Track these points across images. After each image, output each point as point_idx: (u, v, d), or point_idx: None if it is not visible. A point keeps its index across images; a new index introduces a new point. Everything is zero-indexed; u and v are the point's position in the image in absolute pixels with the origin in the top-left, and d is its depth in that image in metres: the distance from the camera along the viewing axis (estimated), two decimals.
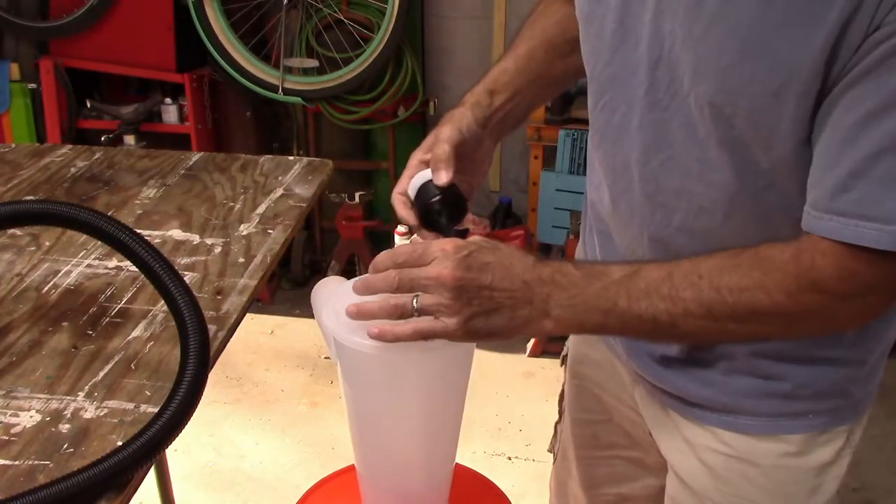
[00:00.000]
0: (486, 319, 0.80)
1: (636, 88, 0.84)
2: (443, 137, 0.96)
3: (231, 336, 0.96)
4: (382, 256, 0.83)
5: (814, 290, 0.75)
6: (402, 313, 0.81)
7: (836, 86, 0.70)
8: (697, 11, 0.76)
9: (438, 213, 0.91)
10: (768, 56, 0.73)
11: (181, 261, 1.08)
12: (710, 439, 0.97)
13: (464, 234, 0.91)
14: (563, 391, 1.24)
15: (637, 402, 1.07)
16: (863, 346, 0.92)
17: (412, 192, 0.95)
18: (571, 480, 1.26)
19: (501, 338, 0.82)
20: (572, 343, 1.20)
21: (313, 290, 0.90)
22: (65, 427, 0.79)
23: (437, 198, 0.92)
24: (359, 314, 0.83)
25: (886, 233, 0.70)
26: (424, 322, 0.81)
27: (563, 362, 1.22)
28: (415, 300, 0.80)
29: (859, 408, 0.96)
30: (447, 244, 0.81)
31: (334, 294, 0.90)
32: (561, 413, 1.25)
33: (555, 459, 1.29)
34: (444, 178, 0.93)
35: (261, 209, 1.23)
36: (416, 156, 0.99)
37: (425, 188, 0.93)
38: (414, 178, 0.96)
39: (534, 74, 1.04)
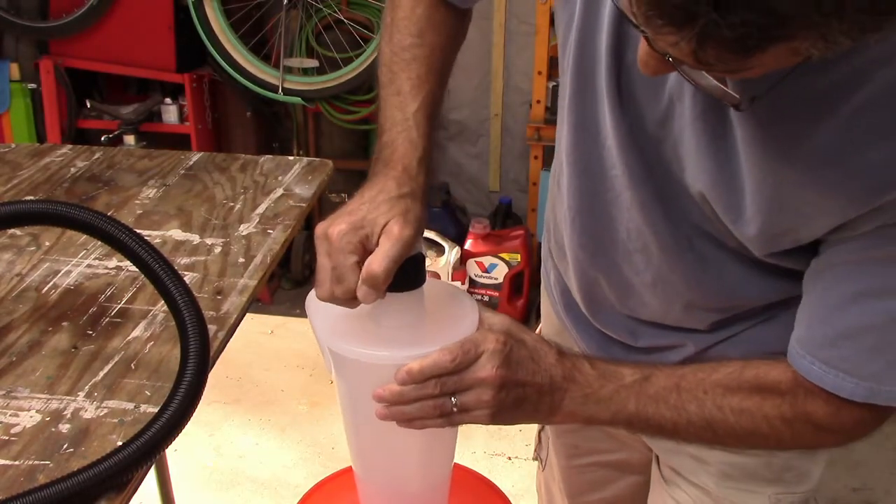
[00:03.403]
0: (513, 410, 0.83)
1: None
2: (387, 250, 0.78)
3: (231, 336, 0.96)
4: (416, 370, 0.79)
5: (807, 422, 0.81)
6: (441, 413, 0.81)
7: (838, 246, 0.74)
8: (709, 148, 0.75)
9: (396, 279, 0.81)
10: (780, 221, 0.74)
11: (181, 261, 1.08)
12: None
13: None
14: None
15: None
16: None
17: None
18: (556, 487, 1.26)
19: (516, 423, 0.85)
20: None
21: (307, 298, 0.89)
22: (65, 427, 0.79)
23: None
24: (392, 415, 0.82)
25: (862, 387, 0.76)
26: (456, 416, 0.82)
27: None
28: (453, 398, 0.81)
29: None
30: (490, 342, 0.80)
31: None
32: None
33: (543, 466, 1.29)
34: (371, 299, 0.79)
35: (261, 209, 1.23)
36: (348, 237, 0.79)
37: None
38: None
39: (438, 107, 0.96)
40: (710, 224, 0.82)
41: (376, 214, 0.80)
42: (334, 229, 0.79)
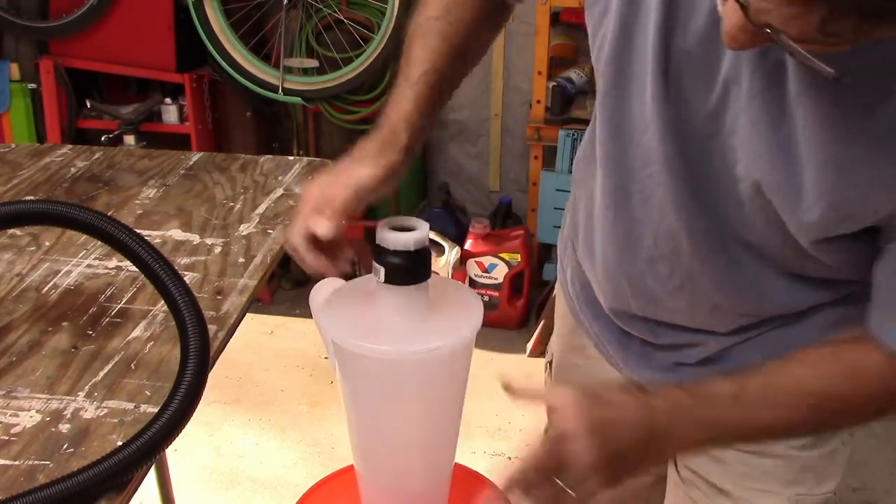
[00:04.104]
0: (624, 472, 0.80)
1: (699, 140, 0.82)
2: (345, 186, 0.86)
3: (231, 336, 0.96)
4: (521, 478, 0.78)
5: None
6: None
7: None
8: (768, 130, 0.73)
9: (402, 272, 0.82)
10: (844, 203, 0.72)
11: (181, 261, 1.08)
12: None
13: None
14: None
15: None
16: None
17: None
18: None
19: (638, 476, 0.83)
20: (557, 350, 1.18)
21: (311, 292, 0.89)
22: (65, 427, 0.79)
23: (401, 259, 0.82)
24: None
25: None
26: (580, 493, 0.80)
27: (548, 368, 1.21)
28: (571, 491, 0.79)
29: None
30: (578, 426, 0.77)
31: (333, 296, 0.90)
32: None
33: None
34: (324, 228, 0.83)
35: (261, 209, 1.24)
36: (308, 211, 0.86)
37: (393, 239, 0.82)
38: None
39: (440, 101, 0.95)
40: (747, 227, 0.80)
41: (335, 188, 0.86)
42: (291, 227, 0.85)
